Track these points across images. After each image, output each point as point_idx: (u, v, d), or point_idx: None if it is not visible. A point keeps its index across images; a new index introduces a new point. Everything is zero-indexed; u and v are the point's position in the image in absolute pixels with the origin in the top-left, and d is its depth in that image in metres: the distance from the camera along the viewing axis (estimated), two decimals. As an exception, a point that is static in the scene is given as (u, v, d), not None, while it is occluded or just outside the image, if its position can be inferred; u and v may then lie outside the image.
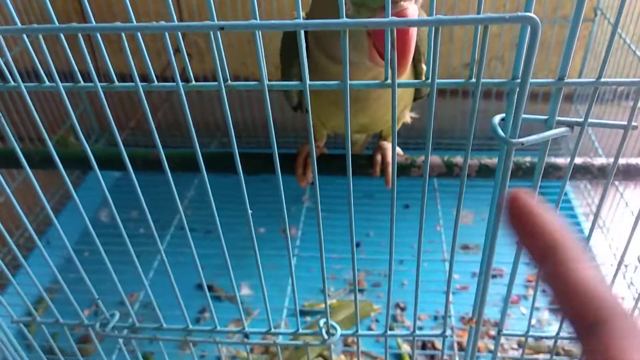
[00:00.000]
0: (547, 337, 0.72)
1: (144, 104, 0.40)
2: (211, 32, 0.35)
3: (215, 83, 0.39)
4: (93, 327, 0.57)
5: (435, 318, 1.09)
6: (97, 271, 0.60)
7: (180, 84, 0.39)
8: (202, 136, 1.44)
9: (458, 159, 0.74)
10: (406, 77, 0.67)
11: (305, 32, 0.58)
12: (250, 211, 0.48)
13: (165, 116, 1.38)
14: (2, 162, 0.75)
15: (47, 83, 0.41)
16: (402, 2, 0.47)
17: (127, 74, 0.41)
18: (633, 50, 1.01)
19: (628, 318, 0.22)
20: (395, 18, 0.34)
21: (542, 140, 0.39)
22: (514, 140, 0.38)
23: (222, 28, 0.35)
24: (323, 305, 1.11)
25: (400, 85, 0.38)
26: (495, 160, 0.73)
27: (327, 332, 0.55)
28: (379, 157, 0.75)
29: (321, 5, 0.58)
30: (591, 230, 0.49)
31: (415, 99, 0.77)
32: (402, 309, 1.10)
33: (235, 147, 0.44)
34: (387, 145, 0.76)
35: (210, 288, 1.18)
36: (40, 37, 0.38)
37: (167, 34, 0.36)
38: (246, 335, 0.60)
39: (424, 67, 0.68)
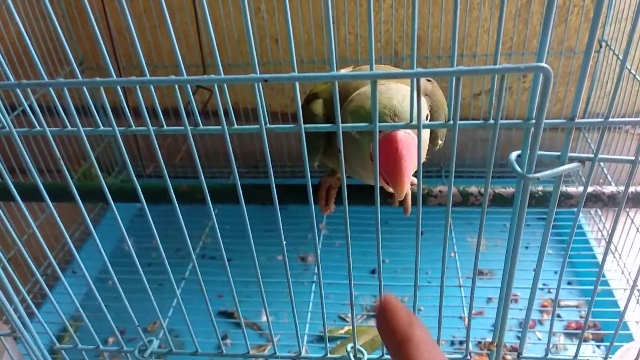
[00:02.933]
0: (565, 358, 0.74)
1: (191, 141, 0.44)
2: (255, 84, 0.40)
3: (257, 127, 0.43)
4: (132, 353, 0.60)
5: (452, 343, 1.11)
6: (121, 299, 0.63)
7: (226, 127, 0.43)
8: (222, 167, 1.49)
9: (473, 189, 0.78)
10: (425, 135, 0.73)
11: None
12: (284, 242, 0.51)
13: (189, 148, 1.43)
14: (30, 196, 0.79)
15: (69, 128, 0.45)
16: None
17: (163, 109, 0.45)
18: (639, 80, 1.05)
19: None
20: (420, 69, 0.38)
21: (555, 175, 0.43)
22: (530, 175, 0.42)
23: (265, 80, 0.39)
24: (342, 332, 1.14)
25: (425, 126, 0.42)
26: (508, 189, 0.77)
27: (355, 357, 0.57)
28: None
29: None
30: (604, 256, 0.52)
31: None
32: (419, 335, 1.12)
33: (273, 180, 0.47)
34: (405, 176, 0.79)
35: (231, 315, 1.21)
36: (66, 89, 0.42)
37: (216, 85, 0.40)
38: (277, 360, 0.63)
39: (439, 142, 0.74)
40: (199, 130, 0.44)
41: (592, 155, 0.43)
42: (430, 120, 0.70)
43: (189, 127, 0.44)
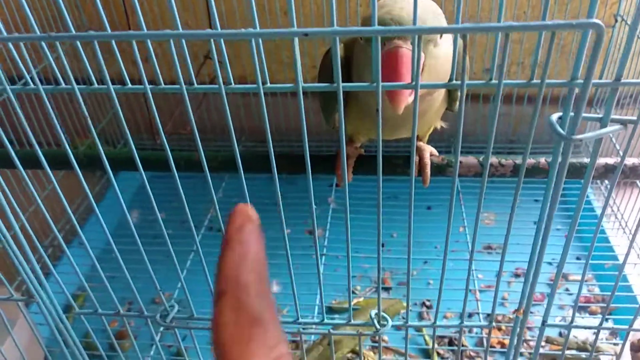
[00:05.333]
0: (590, 328, 0.75)
1: (187, 105, 0.43)
2: (295, 39, 0.38)
3: (254, 85, 0.41)
4: (154, 318, 0.59)
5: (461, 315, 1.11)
6: (128, 270, 0.63)
7: (222, 86, 0.42)
8: (227, 140, 1.48)
9: (493, 160, 0.77)
10: (442, 95, 0.71)
11: (348, 67, 0.61)
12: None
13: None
14: (31, 163, 0.78)
15: (64, 85, 0.43)
16: (396, 40, 0.52)
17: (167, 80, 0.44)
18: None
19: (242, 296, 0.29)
20: (466, 24, 0.36)
21: (597, 137, 0.42)
22: (573, 137, 0.41)
23: (306, 34, 0.38)
24: (352, 303, 1.14)
25: (424, 86, 0.41)
26: (530, 160, 0.76)
27: (379, 323, 0.57)
28: (416, 158, 0.77)
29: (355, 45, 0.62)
30: (628, 254, 0.51)
31: (447, 109, 0.80)
32: (428, 307, 1.12)
33: (272, 148, 0.46)
34: (424, 146, 0.78)
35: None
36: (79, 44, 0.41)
37: (211, 41, 0.39)
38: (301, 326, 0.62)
39: (457, 105, 0.73)
40: (194, 89, 0.43)
41: (635, 118, 0.42)
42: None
43: (184, 86, 0.42)
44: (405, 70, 0.51)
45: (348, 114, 0.74)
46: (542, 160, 0.76)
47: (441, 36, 0.60)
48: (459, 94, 0.72)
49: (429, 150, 0.78)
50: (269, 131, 0.44)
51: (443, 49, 0.62)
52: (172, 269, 0.65)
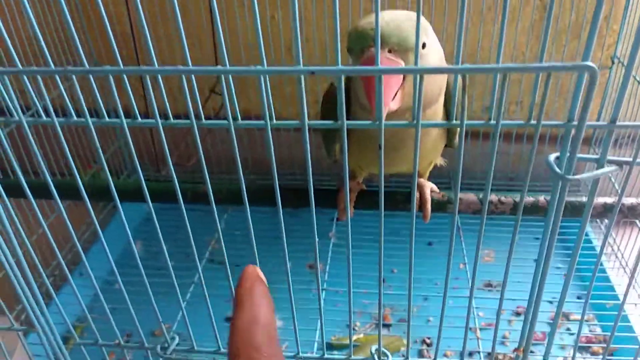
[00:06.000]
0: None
1: (197, 139, 0.44)
2: (302, 76, 0.40)
3: (262, 122, 0.43)
4: (155, 350, 0.59)
5: (461, 354, 1.10)
6: (128, 302, 0.63)
7: (232, 122, 0.43)
8: (231, 172, 1.49)
9: (493, 197, 0.78)
10: (438, 143, 0.72)
11: (347, 93, 0.62)
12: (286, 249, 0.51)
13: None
14: (40, 193, 0.79)
15: (76, 118, 0.45)
16: (373, 49, 0.53)
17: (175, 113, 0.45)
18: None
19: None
20: (466, 65, 0.38)
21: (594, 178, 0.43)
22: (569, 177, 0.42)
23: (312, 72, 0.39)
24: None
25: (425, 125, 0.42)
26: (529, 198, 0.77)
27: (379, 359, 0.57)
28: (417, 194, 0.78)
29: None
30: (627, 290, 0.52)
31: (446, 146, 0.81)
32: (429, 345, 1.12)
33: (277, 181, 0.47)
34: (425, 182, 0.80)
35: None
36: (92, 78, 0.42)
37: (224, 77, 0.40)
38: (301, 360, 0.62)
39: (457, 142, 0.74)
40: (204, 124, 0.44)
41: (630, 159, 0.43)
42: (446, 105, 0.70)
43: (194, 121, 0.43)
44: (386, 87, 0.52)
45: (349, 147, 0.75)
46: (541, 198, 0.77)
47: (424, 46, 0.60)
48: (457, 138, 0.74)
49: (429, 187, 0.79)
50: (275, 167, 0.45)
51: (429, 61, 0.61)
52: (172, 301, 0.65)
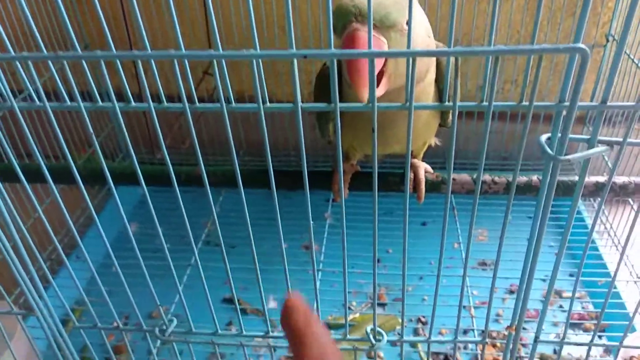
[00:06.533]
0: (581, 344, 0.76)
1: (190, 123, 0.44)
2: (294, 60, 0.40)
3: (255, 105, 0.43)
4: (153, 332, 0.60)
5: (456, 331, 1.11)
6: (124, 284, 0.63)
7: (224, 105, 0.43)
8: (225, 153, 1.49)
9: (486, 177, 0.79)
10: (432, 120, 0.72)
11: (339, 74, 0.62)
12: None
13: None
14: (34, 177, 0.79)
15: (69, 103, 0.45)
16: (355, 24, 0.53)
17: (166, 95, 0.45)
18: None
19: None
20: (458, 47, 0.38)
21: (585, 158, 0.44)
22: (561, 157, 0.42)
23: (305, 56, 0.39)
24: (348, 319, 1.14)
25: (417, 107, 0.42)
26: (522, 178, 0.77)
27: (375, 338, 0.58)
28: (411, 175, 0.79)
29: None
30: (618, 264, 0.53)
31: (440, 125, 0.81)
32: (424, 323, 1.13)
33: (271, 166, 0.47)
34: (419, 163, 0.80)
35: (238, 301, 1.22)
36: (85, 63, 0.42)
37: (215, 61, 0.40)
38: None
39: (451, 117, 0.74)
40: (197, 108, 0.44)
41: (621, 140, 0.44)
42: (438, 84, 0.69)
43: (187, 104, 0.43)
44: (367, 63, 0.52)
45: (342, 128, 0.75)
46: (534, 178, 0.78)
47: (407, 22, 0.59)
48: (451, 114, 0.74)
49: (423, 167, 0.79)
50: (269, 151, 0.45)
51: (413, 39, 0.59)
52: (169, 283, 0.66)
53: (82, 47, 1.30)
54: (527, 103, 0.41)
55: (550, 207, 0.47)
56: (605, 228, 1.26)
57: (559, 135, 0.42)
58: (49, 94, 0.47)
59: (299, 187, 0.79)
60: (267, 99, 0.43)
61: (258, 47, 0.40)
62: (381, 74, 0.57)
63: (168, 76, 0.42)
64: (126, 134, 0.46)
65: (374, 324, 0.58)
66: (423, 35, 0.62)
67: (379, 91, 0.57)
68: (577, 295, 1.19)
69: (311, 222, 0.53)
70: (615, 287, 1.12)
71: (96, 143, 0.48)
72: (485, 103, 0.41)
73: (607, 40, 1.25)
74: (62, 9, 0.39)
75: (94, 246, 0.83)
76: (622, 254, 0.54)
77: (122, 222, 1.45)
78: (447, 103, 0.42)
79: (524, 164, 1.33)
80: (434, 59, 0.69)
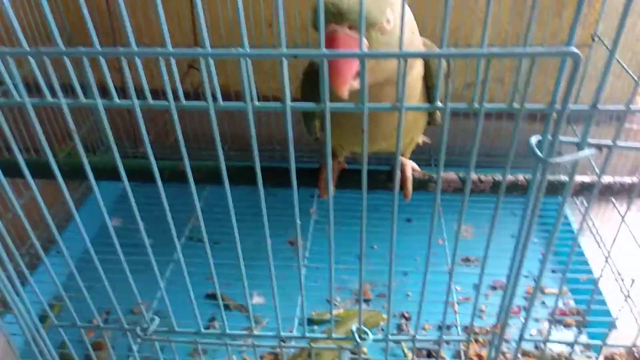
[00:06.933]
0: (565, 343, 0.76)
1: (176, 121, 0.43)
2: (284, 59, 0.39)
3: (243, 103, 0.42)
4: (134, 331, 0.59)
5: (440, 328, 1.12)
6: (104, 280, 0.62)
7: (212, 104, 0.42)
8: (209, 147, 1.47)
9: (473, 176, 0.79)
10: (419, 101, 0.71)
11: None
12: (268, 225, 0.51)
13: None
14: (12, 172, 0.77)
15: (50, 99, 0.43)
16: (333, 25, 0.52)
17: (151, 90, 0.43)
18: (630, 74, 1.07)
19: None
20: (451, 49, 0.37)
21: (575, 160, 0.44)
22: (551, 160, 0.42)
23: (295, 56, 0.38)
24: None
25: (408, 108, 0.42)
26: (509, 177, 0.78)
27: (360, 337, 0.58)
28: (398, 173, 0.78)
29: None
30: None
31: (428, 123, 0.81)
32: (407, 319, 1.13)
33: (258, 161, 0.46)
34: (406, 161, 0.80)
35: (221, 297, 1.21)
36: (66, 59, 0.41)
37: (205, 59, 0.39)
38: (282, 340, 0.63)
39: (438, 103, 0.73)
40: (183, 106, 0.43)
41: (611, 143, 0.44)
42: (430, 81, 0.69)
43: (173, 102, 0.42)
44: (345, 63, 0.51)
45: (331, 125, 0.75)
46: (521, 177, 0.78)
47: (389, 21, 0.58)
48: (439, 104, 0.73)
49: (410, 165, 0.79)
50: (256, 150, 0.45)
51: (395, 38, 0.58)
52: (151, 279, 0.65)
53: (65, 39, 1.27)
54: (518, 105, 0.41)
55: (539, 208, 0.47)
56: (588, 225, 1.27)
57: (550, 137, 0.42)
58: (29, 86, 0.45)
59: (284, 184, 0.79)
60: (255, 98, 0.43)
61: (247, 45, 0.39)
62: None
63: (152, 71, 0.41)
64: (109, 132, 0.45)
65: (359, 323, 0.58)
66: (407, 33, 0.61)
67: (357, 83, 0.56)
68: (559, 291, 1.20)
69: (298, 222, 0.52)
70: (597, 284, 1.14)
71: (78, 140, 0.47)
72: (476, 105, 0.41)
73: (593, 40, 1.25)
74: (45, 3, 0.38)
75: (75, 241, 0.81)
76: (607, 259, 0.55)
77: (103, 217, 1.43)
78: (438, 104, 0.42)
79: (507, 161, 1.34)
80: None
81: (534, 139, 0.44)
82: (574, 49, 0.37)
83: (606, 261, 0.57)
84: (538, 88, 1.37)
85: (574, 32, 0.39)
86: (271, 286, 0.59)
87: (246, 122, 0.42)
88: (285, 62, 0.39)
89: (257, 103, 0.43)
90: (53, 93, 0.44)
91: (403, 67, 0.38)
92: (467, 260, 1.29)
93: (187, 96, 0.42)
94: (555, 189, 0.78)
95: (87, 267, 0.66)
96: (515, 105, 0.41)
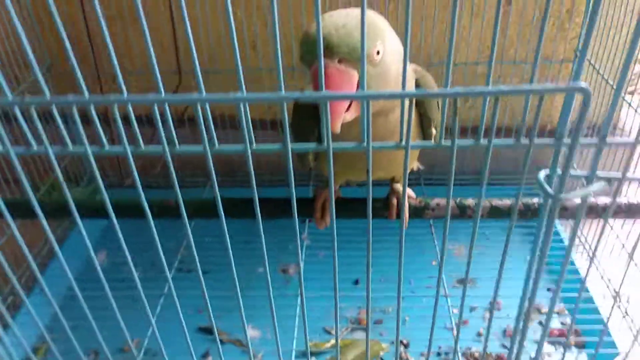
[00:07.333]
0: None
1: (170, 166, 0.41)
2: (284, 103, 0.37)
3: (241, 146, 0.40)
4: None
5: (439, 354, 1.10)
6: (95, 316, 0.59)
7: (208, 148, 0.40)
8: (198, 175, 1.45)
9: (469, 201, 0.78)
10: (414, 138, 0.70)
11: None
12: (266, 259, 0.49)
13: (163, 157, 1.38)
14: (17, 213, 0.75)
15: (35, 148, 0.41)
16: (324, 60, 0.51)
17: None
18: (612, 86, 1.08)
19: None
20: (458, 88, 0.36)
21: (584, 195, 0.42)
22: (562, 195, 0.41)
23: (297, 99, 0.37)
24: (328, 345, 1.12)
25: (414, 147, 0.40)
26: (508, 202, 0.76)
27: (366, 379, 0.55)
28: (394, 201, 0.77)
29: None
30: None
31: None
32: (406, 346, 1.11)
33: (256, 195, 0.44)
34: (401, 188, 0.78)
35: (212, 331, 1.17)
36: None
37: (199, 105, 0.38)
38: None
39: (433, 131, 0.72)
40: (178, 152, 0.41)
41: (620, 176, 0.43)
42: (422, 107, 0.68)
43: (167, 148, 0.40)
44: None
45: (321, 155, 0.73)
46: (520, 203, 0.77)
47: (379, 52, 0.57)
48: (432, 128, 0.72)
49: (406, 193, 0.78)
50: (255, 188, 0.43)
51: (385, 68, 0.58)
52: (140, 314, 0.62)
53: (45, 68, 1.24)
54: (526, 141, 0.39)
55: (549, 244, 0.46)
56: (580, 241, 1.27)
57: (560, 172, 0.41)
58: (7, 118, 0.43)
59: (280, 216, 0.77)
60: (253, 141, 0.41)
61: (244, 89, 0.37)
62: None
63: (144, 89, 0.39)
64: (100, 181, 0.42)
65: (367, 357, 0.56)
66: (397, 62, 0.60)
67: (350, 115, 0.56)
68: (556, 310, 1.19)
69: (301, 264, 0.50)
70: (593, 302, 1.13)
71: (62, 180, 0.44)
72: (484, 142, 0.39)
73: (576, 56, 1.26)
74: (22, 32, 0.35)
75: (60, 277, 0.78)
76: (590, 265, 0.53)
77: (89, 251, 1.38)
78: (443, 143, 0.41)
79: (495, 179, 1.34)
80: (413, 81, 0.67)
81: (542, 174, 0.43)
82: (584, 85, 0.36)
83: (585, 271, 0.56)
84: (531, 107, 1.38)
85: (581, 67, 0.37)
86: (271, 318, 0.56)
87: (246, 167, 0.40)
88: (284, 107, 0.37)
89: (255, 146, 0.41)
90: (39, 141, 0.41)
91: (408, 107, 0.37)
92: (462, 281, 1.27)
93: (172, 123, 0.40)
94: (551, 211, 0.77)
95: (73, 305, 0.63)
96: (523, 140, 0.40)
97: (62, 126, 0.40)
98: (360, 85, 0.39)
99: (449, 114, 0.40)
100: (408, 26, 0.35)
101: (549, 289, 1.23)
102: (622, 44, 1.17)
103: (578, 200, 0.48)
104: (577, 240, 1.28)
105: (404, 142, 0.41)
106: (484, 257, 1.17)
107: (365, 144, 0.40)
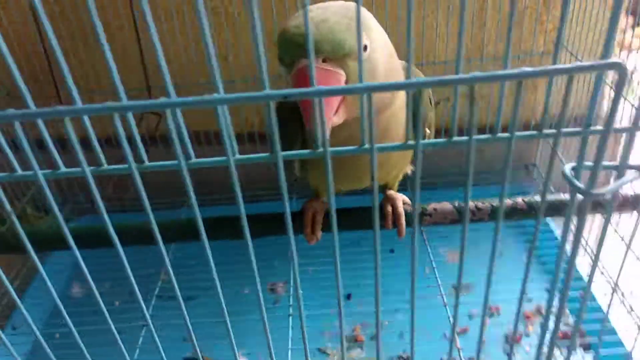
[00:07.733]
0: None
1: (140, 186, 0.35)
2: (271, 103, 0.31)
3: (224, 158, 0.34)
4: None
5: (442, 365, 1.05)
6: (70, 356, 0.53)
7: (183, 162, 0.34)
8: (173, 195, 1.37)
9: (469, 204, 0.73)
10: (404, 130, 0.65)
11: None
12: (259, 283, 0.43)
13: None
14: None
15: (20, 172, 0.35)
16: (303, 60, 0.49)
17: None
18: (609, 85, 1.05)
19: None
20: (477, 73, 0.31)
21: (616, 188, 0.37)
22: (594, 191, 0.36)
23: (285, 97, 0.31)
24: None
25: (427, 145, 0.35)
26: (508, 202, 0.72)
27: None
28: (389, 209, 0.72)
29: None
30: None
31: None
32: (406, 360, 1.06)
33: (244, 212, 0.39)
34: (396, 195, 0.73)
35: (201, 360, 1.10)
36: None
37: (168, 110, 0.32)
38: None
39: (427, 130, 0.68)
40: (147, 168, 0.35)
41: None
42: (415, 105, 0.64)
43: (134, 165, 0.34)
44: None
45: (307, 165, 0.68)
46: (520, 201, 0.73)
47: (366, 48, 0.53)
48: (426, 127, 0.68)
49: (401, 199, 0.73)
50: (242, 204, 0.37)
51: (373, 64, 0.54)
52: (127, 347, 0.56)
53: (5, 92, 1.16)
54: (552, 130, 0.34)
55: (579, 248, 0.41)
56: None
57: (591, 165, 0.36)
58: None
59: (269, 233, 0.71)
60: (237, 150, 0.35)
61: (222, 90, 0.31)
62: (340, 101, 0.51)
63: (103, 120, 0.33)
64: (57, 210, 0.36)
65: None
66: (385, 57, 0.56)
67: (338, 118, 0.52)
68: (552, 312, 1.15)
69: (298, 282, 0.44)
70: (595, 300, 1.09)
71: (13, 216, 0.38)
72: (506, 135, 0.34)
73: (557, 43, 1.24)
74: None
75: (34, 312, 0.70)
76: (594, 262, 0.48)
77: (62, 282, 1.29)
78: (456, 138, 0.35)
79: (483, 177, 1.29)
80: (401, 78, 0.62)
81: (568, 167, 0.38)
82: (618, 60, 0.31)
83: (593, 270, 0.52)
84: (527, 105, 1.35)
85: (611, 42, 0.33)
86: (267, 345, 0.50)
87: (231, 180, 0.34)
88: (272, 106, 0.31)
89: (238, 156, 0.35)
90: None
91: (413, 96, 0.31)
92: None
93: (144, 142, 0.34)
94: (556, 210, 0.73)
95: (48, 343, 0.56)
96: (547, 131, 0.35)
97: (7, 148, 0.34)
98: (358, 78, 0.34)
99: (461, 106, 0.34)
100: (410, 25, 0.30)
101: (547, 290, 1.20)
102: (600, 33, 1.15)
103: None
104: (570, 235, 1.25)
105: (411, 141, 0.35)
106: (478, 261, 1.12)
107: (367, 145, 0.35)
